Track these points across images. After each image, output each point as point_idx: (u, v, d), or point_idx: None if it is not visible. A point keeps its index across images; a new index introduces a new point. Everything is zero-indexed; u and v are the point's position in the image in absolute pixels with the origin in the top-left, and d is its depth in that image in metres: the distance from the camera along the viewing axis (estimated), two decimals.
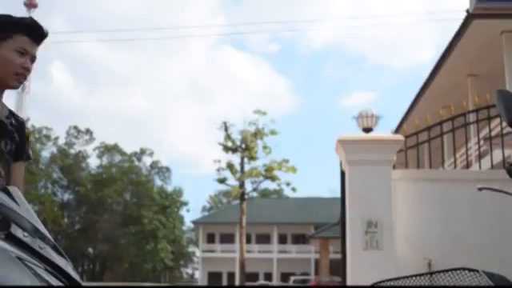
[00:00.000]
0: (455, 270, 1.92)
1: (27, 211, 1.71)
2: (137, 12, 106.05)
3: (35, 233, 1.66)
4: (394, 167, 8.57)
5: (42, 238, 1.68)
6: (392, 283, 2.27)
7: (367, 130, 8.73)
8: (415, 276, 2.03)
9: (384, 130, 10.67)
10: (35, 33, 2.58)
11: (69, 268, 1.69)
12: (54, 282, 1.57)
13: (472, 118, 9.82)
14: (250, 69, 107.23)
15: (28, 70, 2.56)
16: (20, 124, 2.67)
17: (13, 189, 1.75)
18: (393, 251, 7.94)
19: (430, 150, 9.08)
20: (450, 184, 8.43)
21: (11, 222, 1.64)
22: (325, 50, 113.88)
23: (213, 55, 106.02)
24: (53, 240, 1.73)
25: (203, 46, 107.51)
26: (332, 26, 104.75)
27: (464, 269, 1.90)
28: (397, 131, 17.75)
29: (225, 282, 57.84)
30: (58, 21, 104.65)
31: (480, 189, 2.54)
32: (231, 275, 55.33)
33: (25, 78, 2.57)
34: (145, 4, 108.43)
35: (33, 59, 2.58)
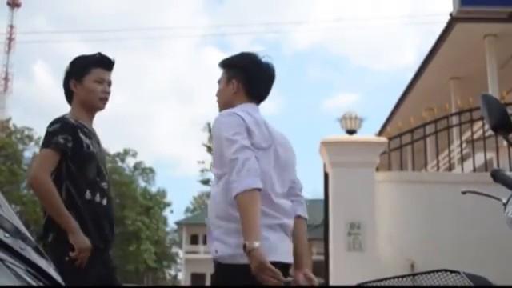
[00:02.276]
0: (437, 271, 1.93)
1: (8, 211, 1.69)
2: (120, 12, 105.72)
3: (16, 234, 1.64)
4: (378, 169, 8.60)
5: (24, 238, 1.67)
6: (375, 285, 2.28)
7: (351, 131, 8.76)
8: (398, 277, 2.04)
9: (368, 132, 10.73)
10: (106, 63, 3.38)
11: (50, 269, 1.68)
12: (36, 283, 1.56)
13: (455, 120, 9.89)
14: None
15: (108, 93, 3.35)
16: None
17: None
18: (376, 253, 7.97)
19: (413, 153, 9.14)
20: (432, 186, 8.48)
21: None
22: (308, 52, 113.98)
23: (196, 56, 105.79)
24: (34, 241, 1.72)
25: (187, 47, 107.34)
26: (316, 27, 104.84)
27: (446, 270, 1.91)
28: (380, 133, 17.82)
29: (208, 283, 57.72)
30: (40, 20, 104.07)
31: (464, 192, 2.56)
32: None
33: (107, 100, 3.37)
34: (128, 4, 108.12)
35: (109, 83, 3.38)
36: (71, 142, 3.14)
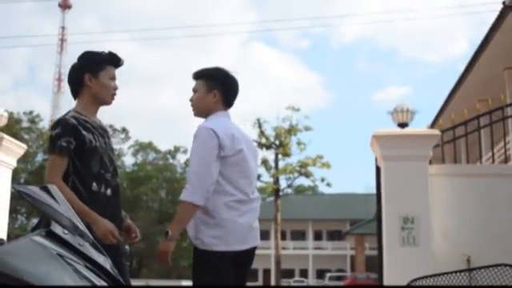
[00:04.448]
0: (496, 266, 1.89)
1: (66, 209, 1.73)
2: (167, 11, 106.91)
3: (75, 230, 1.68)
4: (431, 162, 8.48)
5: (82, 235, 1.70)
6: (431, 280, 2.25)
7: (403, 125, 8.65)
8: (454, 272, 2.00)
9: (420, 125, 10.56)
10: (117, 62, 3.61)
11: (108, 265, 1.71)
12: (94, 278, 1.59)
13: (510, 111, 9.66)
14: (282, 65, 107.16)
15: (117, 89, 3.62)
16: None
17: (52, 187, 1.77)
18: (430, 247, 7.86)
19: (467, 145, 8.96)
20: (488, 179, 8.30)
21: (51, 219, 1.66)
22: (357, 45, 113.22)
23: (244, 52, 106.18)
24: (92, 237, 1.76)
25: (234, 44, 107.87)
26: (363, 20, 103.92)
27: (505, 265, 1.86)
28: (433, 126, 17.56)
29: (260, 279, 58.01)
30: (90, 21, 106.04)
31: None
32: (267, 272, 55.49)
33: (115, 96, 3.62)
34: (175, 3, 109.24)
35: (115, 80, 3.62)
36: (74, 143, 3.37)
